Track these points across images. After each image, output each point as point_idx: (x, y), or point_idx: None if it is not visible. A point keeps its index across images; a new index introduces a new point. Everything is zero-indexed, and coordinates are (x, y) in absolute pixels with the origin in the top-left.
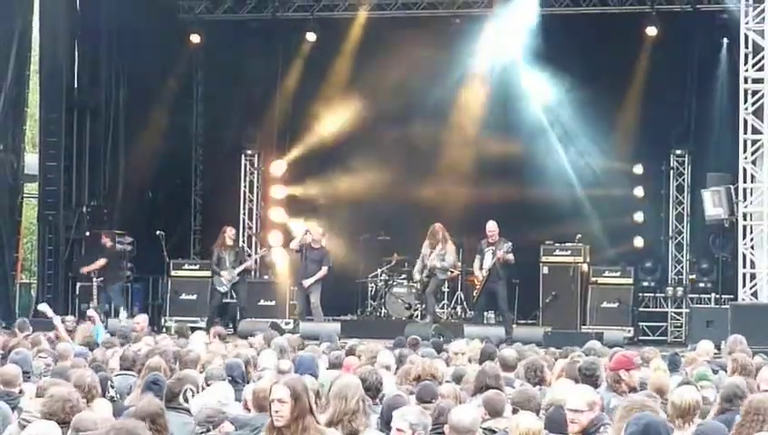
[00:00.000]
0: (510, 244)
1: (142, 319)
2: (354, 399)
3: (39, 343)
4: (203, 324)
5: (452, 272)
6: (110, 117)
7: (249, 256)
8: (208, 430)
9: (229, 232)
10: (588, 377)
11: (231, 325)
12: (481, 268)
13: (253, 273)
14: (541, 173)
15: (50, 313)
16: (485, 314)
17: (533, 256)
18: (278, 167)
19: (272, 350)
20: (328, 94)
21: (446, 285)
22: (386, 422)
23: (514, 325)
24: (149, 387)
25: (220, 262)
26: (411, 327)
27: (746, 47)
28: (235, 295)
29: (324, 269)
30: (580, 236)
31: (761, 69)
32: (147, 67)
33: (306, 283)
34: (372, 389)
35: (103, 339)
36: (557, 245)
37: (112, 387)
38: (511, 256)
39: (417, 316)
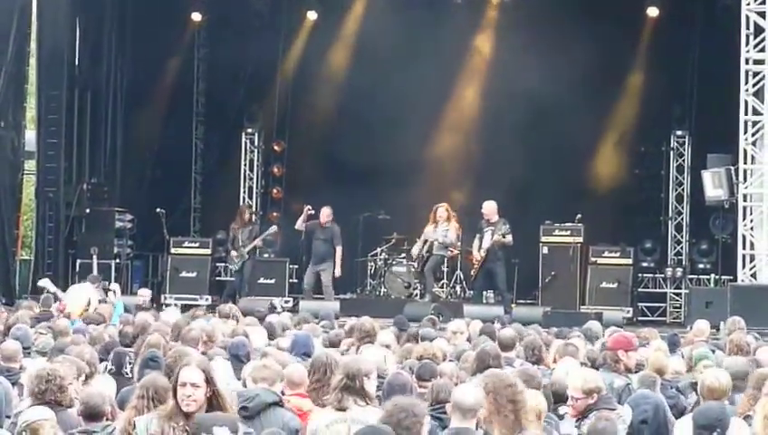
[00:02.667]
0: (507, 226)
1: (146, 293)
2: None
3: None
4: (202, 302)
5: (452, 251)
6: (111, 94)
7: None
8: None
9: (247, 210)
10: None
11: (231, 303)
12: (480, 248)
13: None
14: (540, 152)
15: (52, 287)
16: (485, 293)
17: (533, 236)
18: (279, 145)
19: (261, 328)
20: (330, 72)
21: (446, 264)
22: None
23: (513, 305)
24: (147, 364)
25: (234, 241)
26: (410, 306)
27: (747, 28)
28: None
29: (339, 250)
30: (579, 215)
31: (762, 50)
32: (148, 45)
33: (337, 272)
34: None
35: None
36: (556, 225)
37: (130, 363)
38: (509, 239)
39: (416, 295)
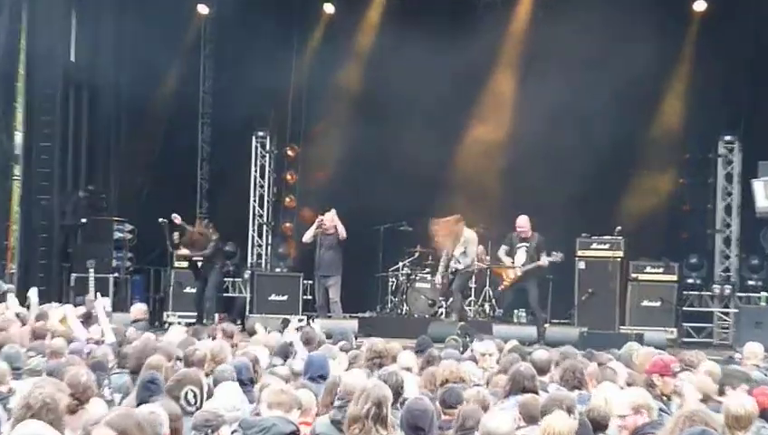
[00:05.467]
0: (561, 255)
1: (138, 310)
2: (367, 405)
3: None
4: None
5: (476, 266)
6: (109, 93)
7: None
8: None
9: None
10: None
11: (239, 321)
12: (512, 262)
13: (263, 264)
14: (575, 159)
15: (35, 298)
16: (516, 312)
17: (568, 250)
18: (292, 150)
19: (263, 348)
20: (347, 70)
21: (473, 280)
22: (408, 428)
23: (547, 325)
24: (146, 387)
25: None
26: (435, 326)
27: None
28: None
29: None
30: (619, 228)
31: None
32: (151, 39)
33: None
34: (392, 392)
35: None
36: (594, 238)
37: (109, 387)
38: (545, 260)
39: (441, 314)
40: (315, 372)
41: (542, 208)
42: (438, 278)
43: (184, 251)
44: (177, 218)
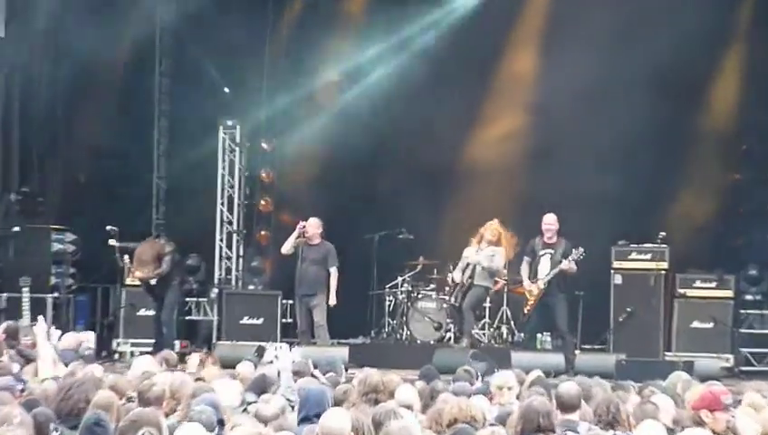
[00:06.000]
0: (581, 250)
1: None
2: None
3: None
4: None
5: (497, 281)
6: (47, 78)
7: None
8: None
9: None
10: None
11: (206, 349)
12: (535, 276)
13: (234, 281)
14: (609, 151)
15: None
16: (540, 336)
17: (602, 261)
18: (268, 143)
19: (234, 380)
20: (336, 43)
21: (488, 299)
22: None
23: (577, 351)
24: (90, 431)
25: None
26: (442, 353)
27: None
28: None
29: (334, 272)
30: (663, 234)
31: None
32: (96, 13)
33: (332, 300)
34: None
35: None
36: (633, 246)
37: (56, 431)
38: (574, 265)
39: (449, 339)
40: (312, 410)
41: (568, 210)
42: (457, 275)
43: (140, 274)
44: (113, 232)
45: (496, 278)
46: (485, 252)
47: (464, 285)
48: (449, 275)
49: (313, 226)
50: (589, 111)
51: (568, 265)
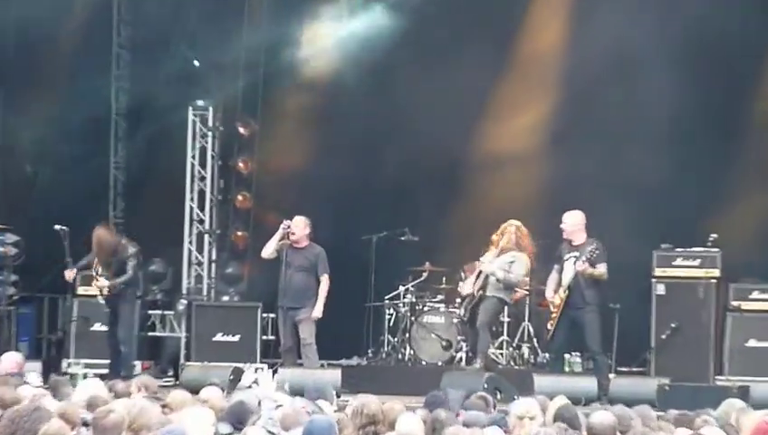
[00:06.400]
0: (594, 246)
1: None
2: None
3: None
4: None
5: (516, 293)
6: None
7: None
8: None
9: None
10: None
11: (172, 372)
12: (559, 286)
13: (205, 290)
14: (647, 141)
15: None
16: (567, 357)
17: (642, 268)
18: (246, 127)
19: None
20: (319, 16)
21: (507, 312)
22: None
23: (612, 375)
24: None
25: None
26: (452, 377)
27: None
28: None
29: (324, 281)
30: (714, 236)
31: None
32: None
33: (317, 313)
34: None
35: None
36: (678, 250)
37: None
38: (602, 268)
39: (460, 359)
40: None
41: (601, 207)
42: (467, 287)
43: (104, 282)
44: (62, 232)
45: (517, 289)
46: (503, 259)
47: (474, 298)
48: (460, 284)
49: (300, 225)
50: (626, 90)
51: (582, 265)
